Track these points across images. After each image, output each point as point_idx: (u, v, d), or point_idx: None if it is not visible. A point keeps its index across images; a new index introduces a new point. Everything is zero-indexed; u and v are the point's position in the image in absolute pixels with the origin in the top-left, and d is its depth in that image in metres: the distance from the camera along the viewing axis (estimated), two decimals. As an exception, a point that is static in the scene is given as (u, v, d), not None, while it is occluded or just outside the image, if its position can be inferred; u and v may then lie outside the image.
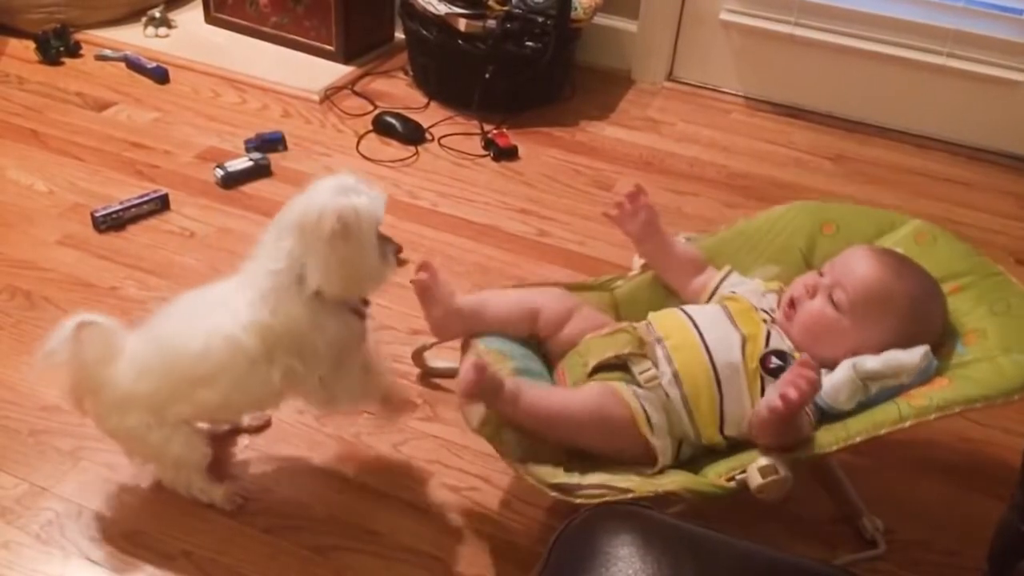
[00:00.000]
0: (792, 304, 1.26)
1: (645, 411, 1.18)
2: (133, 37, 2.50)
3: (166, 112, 2.23)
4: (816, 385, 1.08)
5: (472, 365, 1.11)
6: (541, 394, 1.19)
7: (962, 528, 1.34)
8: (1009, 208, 2.14)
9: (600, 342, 1.26)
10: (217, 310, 1.17)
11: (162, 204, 1.87)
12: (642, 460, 1.18)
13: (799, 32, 2.37)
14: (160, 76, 2.34)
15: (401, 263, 1.37)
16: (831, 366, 1.21)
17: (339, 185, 1.15)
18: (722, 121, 2.42)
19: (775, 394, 1.09)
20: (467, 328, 1.30)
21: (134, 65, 2.38)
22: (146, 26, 2.52)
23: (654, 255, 1.39)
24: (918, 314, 1.22)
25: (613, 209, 1.37)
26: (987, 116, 2.31)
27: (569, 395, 1.21)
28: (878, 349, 1.20)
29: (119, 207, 1.81)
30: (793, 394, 1.06)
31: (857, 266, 1.24)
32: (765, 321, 1.25)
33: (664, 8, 2.47)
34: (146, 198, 1.85)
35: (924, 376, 1.17)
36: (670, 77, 2.58)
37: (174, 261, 1.74)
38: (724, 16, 2.43)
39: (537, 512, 1.31)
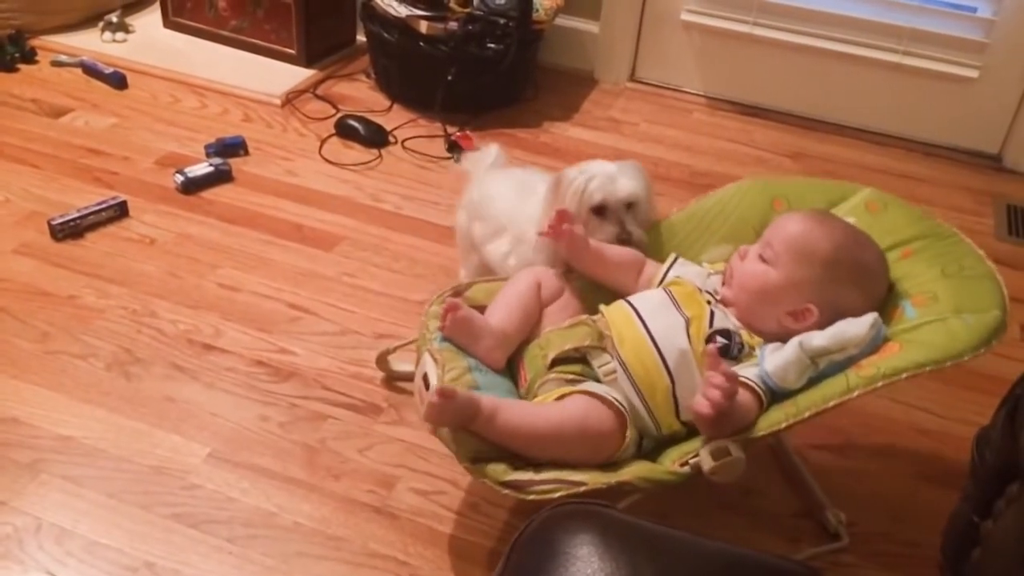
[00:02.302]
0: (731, 273, 1.27)
1: (619, 403, 1.18)
2: (90, 42, 2.46)
3: (124, 118, 2.20)
4: (727, 390, 1.07)
5: (438, 392, 1.10)
6: (521, 413, 1.17)
7: (923, 519, 1.36)
8: (965, 203, 2.18)
9: (560, 335, 1.27)
10: None
11: (121, 211, 1.84)
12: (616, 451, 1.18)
13: (758, 32, 2.39)
14: (118, 81, 2.31)
15: (624, 241, 1.39)
16: (776, 334, 1.21)
17: (605, 164, 1.43)
18: (684, 121, 2.44)
19: (698, 397, 1.10)
20: (515, 344, 1.30)
21: (91, 70, 2.34)
22: (103, 31, 2.49)
23: (591, 270, 1.39)
24: (844, 255, 1.21)
25: (541, 230, 1.37)
26: (942, 112, 2.35)
27: (551, 412, 1.18)
28: (816, 300, 1.19)
29: (77, 215, 1.79)
30: (705, 408, 1.07)
31: (783, 223, 1.26)
32: (709, 302, 1.25)
33: (625, 9, 2.48)
34: (104, 205, 1.83)
35: (873, 345, 1.14)
36: (632, 77, 2.60)
37: (134, 268, 1.72)
38: (685, 16, 2.45)
39: (505, 514, 1.31)
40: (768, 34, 2.39)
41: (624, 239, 1.40)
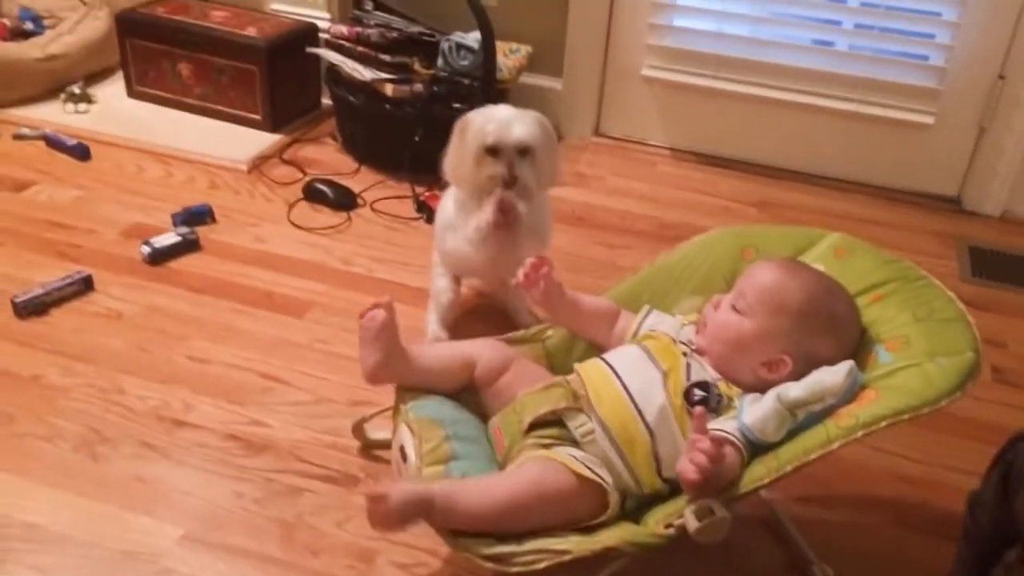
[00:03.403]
0: (704, 324, 1.27)
1: (596, 472, 1.17)
2: (52, 114, 2.45)
3: (88, 190, 2.18)
4: (714, 455, 1.06)
5: (367, 497, 1.07)
6: (476, 493, 1.13)
7: (906, 569, 1.35)
8: (930, 246, 2.21)
9: (535, 398, 1.25)
10: None
11: (86, 285, 1.81)
12: (592, 518, 1.17)
13: (719, 85, 2.44)
14: (81, 153, 2.29)
15: (508, 182, 1.53)
16: (752, 385, 1.21)
17: (508, 109, 1.56)
18: (650, 173, 2.47)
19: (684, 462, 1.08)
20: (402, 377, 1.30)
21: (54, 143, 2.32)
22: (65, 102, 2.48)
23: (566, 320, 1.40)
24: (817, 305, 1.21)
25: (517, 279, 1.38)
26: (901, 158, 2.40)
27: (507, 485, 1.15)
28: (791, 351, 1.20)
29: (41, 291, 1.75)
30: (692, 474, 1.07)
31: (755, 274, 1.27)
32: (685, 354, 1.25)
33: (587, 65, 2.52)
34: (69, 280, 1.79)
35: (850, 393, 1.14)
36: (597, 132, 2.63)
37: (100, 344, 1.68)
38: (646, 72, 2.49)
39: (488, 584, 1.28)
40: (728, 87, 2.43)
41: (509, 180, 1.53)
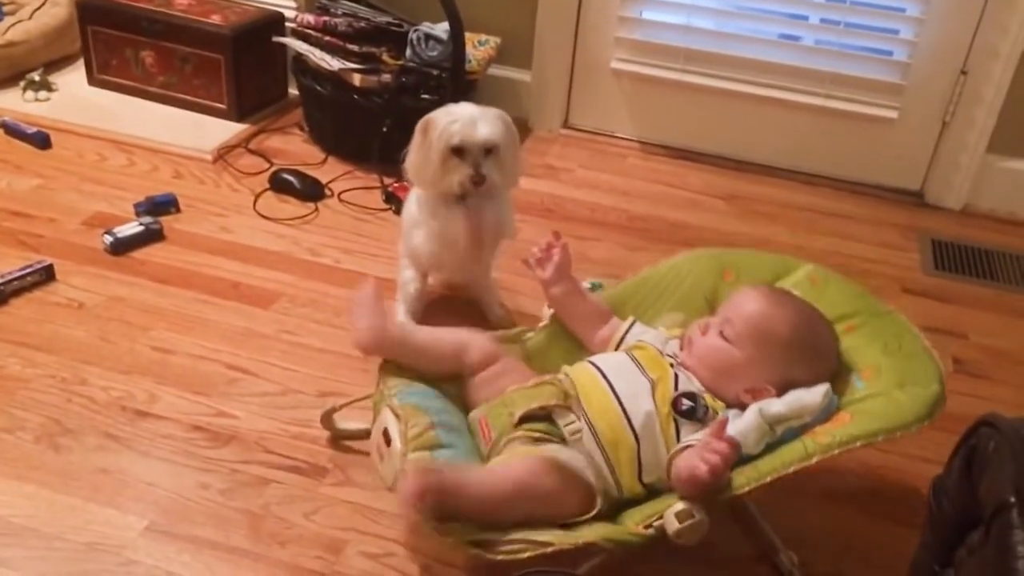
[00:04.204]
0: (690, 343, 1.31)
1: (579, 471, 1.19)
2: (11, 102, 2.40)
3: (49, 178, 2.14)
4: (729, 457, 1.11)
5: (427, 471, 1.08)
6: (486, 482, 1.15)
7: (873, 556, 1.37)
8: (893, 239, 2.25)
9: (526, 393, 1.27)
10: None
11: (47, 275, 1.78)
12: (579, 514, 1.18)
13: (687, 78, 2.45)
14: (41, 141, 2.25)
15: (476, 182, 1.53)
16: (736, 403, 1.25)
17: (470, 107, 1.54)
18: (619, 166, 2.48)
19: (696, 460, 1.11)
20: (392, 349, 1.31)
21: (12, 131, 2.28)
22: (25, 90, 2.43)
23: (563, 300, 1.42)
24: (801, 338, 1.27)
25: (531, 256, 1.42)
26: (866, 152, 2.43)
27: (513, 475, 1.17)
28: (774, 379, 1.25)
29: (0, 281, 1.72)
30: (705, 474, 1.10)
31: (742, 302, 1.31)
32: (672, 365, 1.28)
33: (556, 58, 2.52)
34: (29, 270, 1.76)
35: (826, 413, 1.21)
36: (566, 124, 2.63)
37: (62, 334, 1.66)
38: (615, 64, 2.49)
39: (459, 574, 1.28)
40: (697, 80, 2.45)
41: (477, 180, 1.53)
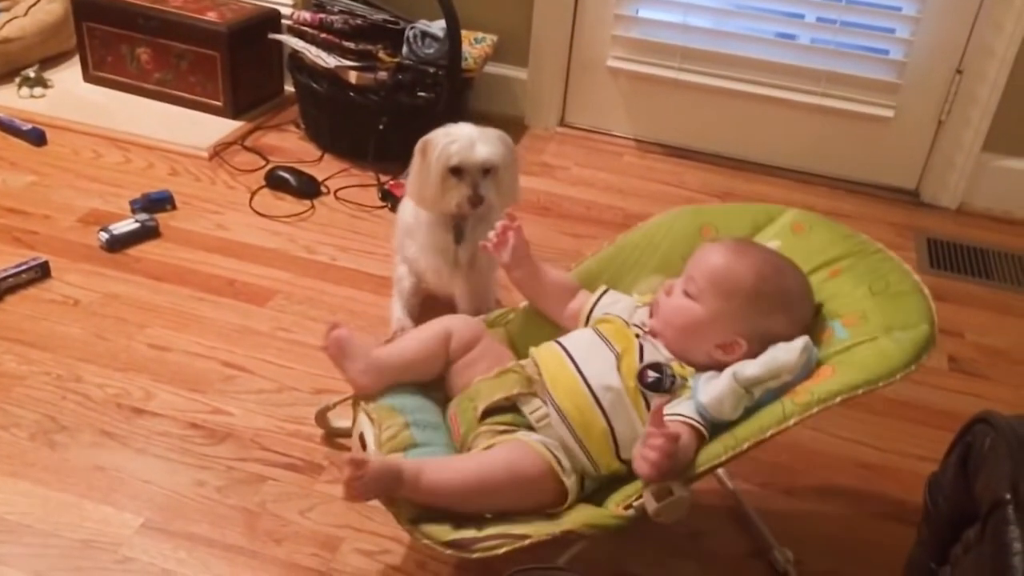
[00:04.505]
0: (657, 306, 1.27)
1: (555, 456, 1.17)
2: (6, 99, 2.39)
3: (44, 175, 2.13)
4: (666, 449, 1.06)
5: (348, 464, 1.05)
6: (446, 469, 1.14)
7: (868, 555, 1.37)
8: (889, 238, 2.25)
9: (489, 384, 1.25)
10: None
11: (42, 272, 1.78)
12: (555, 504, 1.17)
13: (683, 77, 2.45)
14: (36, 138, 2.24)
15: (474, 203, 1.53)
16: (707, 366, 1.21)
17: (469, 128, 1.55)
18: (615, 164, 2.48)
19: (637, 457, 1.09)
20: (391, 377, 1.27)
21: (8, 127, 2.27)
22: (20, 87, 2.42)
23: (525, 282, 1.38)
24: (767, 285, 1.21)
25: (488, 240, 1.38)
26: (862, 151, 2.44)
27: (475, 463, 1.16)
28: (745, 332, 1.20)
29: (-5, 277, 1.72)
30: (646, 469, 1.07)
31: (702, 256, 1.26)
32: (638, 336, 1.25)
33: (553, 56, 2.52)
34: (24, 267, 1.76)
35: (807, 370, 1.15)
36: (562, 123, 2.63)
37: (57, 332, 1.65)
38: (611, 63, 2.49)
39: (452, 571, 1.28)
40: (693, 79, 2.45)
41: (475, 201, 1.53)
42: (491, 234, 1.37)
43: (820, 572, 1.34)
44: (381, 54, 2.24)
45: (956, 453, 0.94)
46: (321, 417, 1.47)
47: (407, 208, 1.70)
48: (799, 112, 2.42)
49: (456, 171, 1.53)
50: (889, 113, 2.35)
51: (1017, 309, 2.02)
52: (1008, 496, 0.81)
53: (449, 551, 1.08)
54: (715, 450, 1.11)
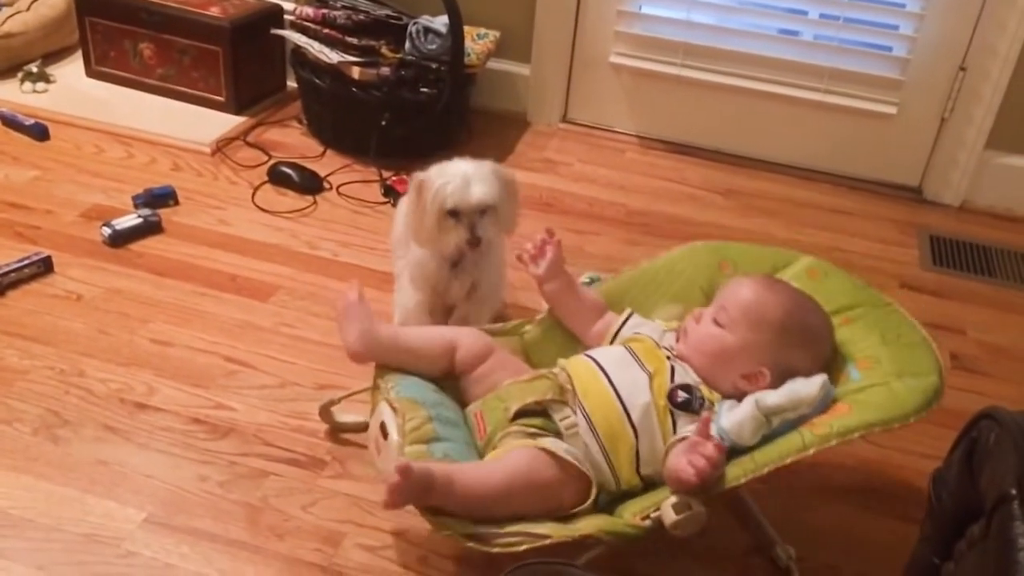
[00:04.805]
0: (685, 332, 1.31)
1: (576, 459, 1.19)
2: (9, 93, 2.39)
3: (46, 170, 2.13)
4: (717, 461, 1.10)
5: (398, 469, 1.06)
6: (474, 476, 1.14)
7: (868, 550, 1.37)
8: (891, 234, 2.25)
9: (521, 387, 1.27)
10: None
11: (45, 267, 1.78)
12: (571, 509, 1.18)
13: (686, 73, 2.45)
14: (39, 133, 2.24)
15: (473, 244, 1.50)
16: (732, 393, 1.25)
17: (464, 165, 1.50)
18: (618, 160, 2.47)
19: (683, 462, 1.11)
20: (385, 354, 1.31)
21: (10, 122, 2.27)
22: (23, 81, 2.42)
23: (557, 297, 1.42)
24: (794, 320, 1.27)
25: (524, 253, 1.41)
26: (865, 148, 2.43)
27: (497, 469, 1.17)
28: (769, 364, 1.24)
29: (-2, 272, 1.72)
30: (691, 477, 1.10)
31: (735, 288, 1.31)
32: (668, 357, 1.28)
33: (555, 52, 2.52)
34: (27, 261, 1.76)
35: (823, 405, 1.20)
36: (565, 119, 2.63)
37: (59, 326, 1.65)
38: (614, 59, 2.49)
39: (454, 566, 1.28)
40: (696, 75, 2.44)
41: (473, 243, 1.49)
42: (528, 246, 1.40)
43: (822, 568, 1.34)
44: (384, 50, 2.24)
45: (961, 448, 0.94)
46: (325, 412, 1.48)
47: (399, 220, 1.67)
48: (802, 109, 2.42)
49: (453, 213, 1.49)
50: (892, 110, 2.35)
51: (1019, 306, 2.02)
52: (1014, 491, 0.81)
53: (470, 543, 1.10)
54: (734, 472, 1.16)
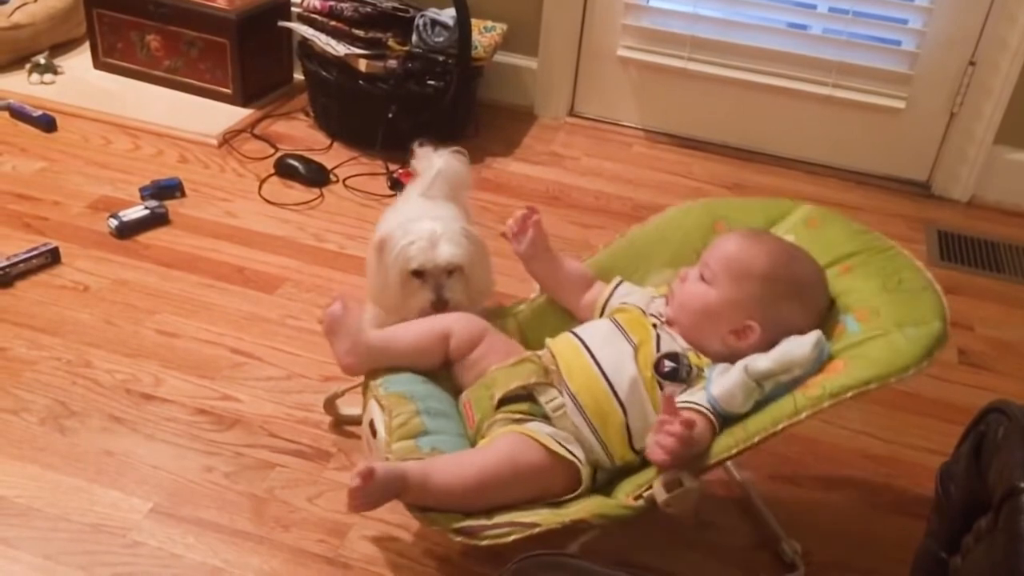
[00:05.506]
0: (672, 294, 1.28)
1: (564, 447, 1.17)
2: (17, 85, 2.39)
3: (54, 161, 2.13)
4: (684, 437, 1.06)
5: (359, 474, 1.05)
6: (453, 469, 1.13)
7: (877, 547, 1.37)
8: (899, 230, 2.24)
9: (505, 373, 1.25)
10: None
11: (52, 258, 1.78)
12: (565, 493, 1.17)
13: (693, 67, 2.44)
14: (47, 124, 2.24)
15: (438, 309, 1.35)
16: (722, 354, 1.21)
17: (430, 223, 1.36)
18: (624, 154, 2.47)
19: (652, 444, 1.09)
20: (377, 362, 1.28)
21: (18, 113, 2.27)
22: (30, 73, 2.42)
23: (542, 273, 1.40)
24: (780, 273, 1.22)
25: (508, 229, 1.39)
26: (873, 142, 2.42)
27: (480, 458, 1.16)
28: (758, 318, 1.20)
29: (6, 263, 1.72)
30: (660, 456, 1.08)
31: (720, 244, 1.27)
32: (655, 325, 1.25)
33: (563, 45, 2.51)
34: (35, 252, 1.76)
35: (818, 364, 1.14)
36: (572, 112, 2.62)
37: (67, 317, 1.66)
38: (621, 52, 2.48)
39: (460, 558, 1.28)
40: (703, 69, 2.43)
41: (439, 307, 1.35)
42: (510, 222, 1.38)
43: (827, 563, 1.34)
44: (391, 42, 2.24)
45: (969, 442, 0.94)
46: (330, 404, 1.48)
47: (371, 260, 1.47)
48: (810, 103, 2.41)
49: (417, 274, 1.36)
50: (901, 104, 2.34)
51: (1028, 302, 2.01)
52: (1022, 485, 0.81)
53: (458, 538, 1.09)
54: (726, 442, 1.12)
